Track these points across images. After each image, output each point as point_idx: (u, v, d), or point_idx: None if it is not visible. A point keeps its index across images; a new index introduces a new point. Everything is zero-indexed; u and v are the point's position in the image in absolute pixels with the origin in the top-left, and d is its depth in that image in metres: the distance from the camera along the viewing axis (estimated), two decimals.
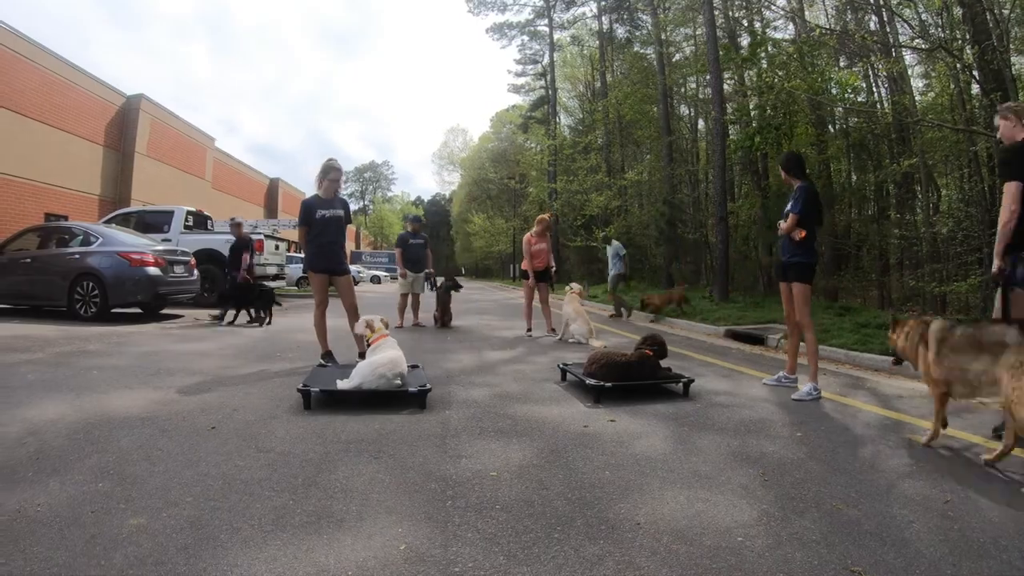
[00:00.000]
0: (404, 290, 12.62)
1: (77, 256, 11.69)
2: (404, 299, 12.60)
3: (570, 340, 10.17)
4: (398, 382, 5.33)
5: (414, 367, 5.93)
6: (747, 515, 3.03)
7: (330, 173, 7.36)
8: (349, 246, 75.92)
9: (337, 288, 7.53)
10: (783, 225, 6.26)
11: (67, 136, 22.50)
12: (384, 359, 5.37)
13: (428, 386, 5.35)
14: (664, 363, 6.30)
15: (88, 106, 23.83)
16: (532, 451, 4.03)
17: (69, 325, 10.48)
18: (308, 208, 7.31)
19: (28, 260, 12.08)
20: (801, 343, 6.51)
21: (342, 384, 5.28)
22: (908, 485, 3.50)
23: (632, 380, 5.83)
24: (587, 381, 5.75)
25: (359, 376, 5.27)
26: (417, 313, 12.74)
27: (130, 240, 12.35)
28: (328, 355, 7.20)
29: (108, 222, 15.36)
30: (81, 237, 12.17)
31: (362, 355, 6.93)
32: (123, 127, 26.00)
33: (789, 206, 6.28)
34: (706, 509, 3.10)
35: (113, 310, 11.64)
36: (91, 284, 11.39)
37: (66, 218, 20.00)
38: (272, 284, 17.79)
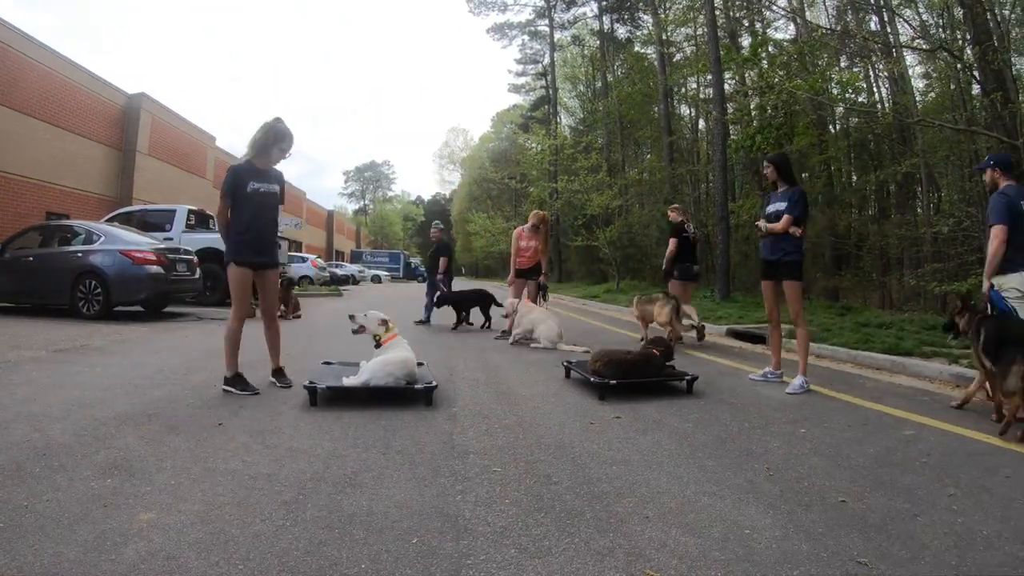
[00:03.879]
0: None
1: (79, 254, 11.69)
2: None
3: (533, 345, 9.33)
4: (405, 383, 5.32)
5: (419, 364, 5.92)
6: (754, 509, 3.05)
7: (283, 141, 5.84)
8: (349, 245, 75.55)
9: (259, 285, 5.94)
10: (775, 225, 6.43)
11: (68, 135, 22.47)
12: (396, 359, 5.36)
13: (434, 383, 5.36)
14: (669, 363, 6.32)
15: (89, 105, 23.80)
16: (539, 447, 4.04)
17: (72, 323, 10.49)
18: (236, 177, 5.67)
19: (31, 259, 12.09)
20: (789, 339, 6.67)
21: (348, 380, 5.29)
22: (911, 480, 3.52)
23: (636, 378, 5.83)
24: (591, 379, 5.77)
25: (368, 373, 5.27)
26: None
27: (132, 238, 12.33)
28: (238, 378, 5.64)
29: (110, 221, 15.34)
30: (83, 236, 12.17)
31: (276, 371, 6.06)
32: (124, 126, 25.96)
33: (783, 207, 6.44)
34: (713, 503, 3.12)
35: (115, 308, 11.64)
36: (93, 282, 11.38)
37: (67, 217, 19.96)
38: None
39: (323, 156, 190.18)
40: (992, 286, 5.36)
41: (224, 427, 4.37)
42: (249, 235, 5.70)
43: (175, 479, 3.29)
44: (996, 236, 5.28)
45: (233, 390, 5.51)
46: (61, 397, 5.10)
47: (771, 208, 6.64)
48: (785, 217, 6.34)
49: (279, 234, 6.28)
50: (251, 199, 5.66)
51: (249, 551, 2.50)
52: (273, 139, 5.77)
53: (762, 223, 6.65)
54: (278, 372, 6.03)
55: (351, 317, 5.74)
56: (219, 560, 2.42)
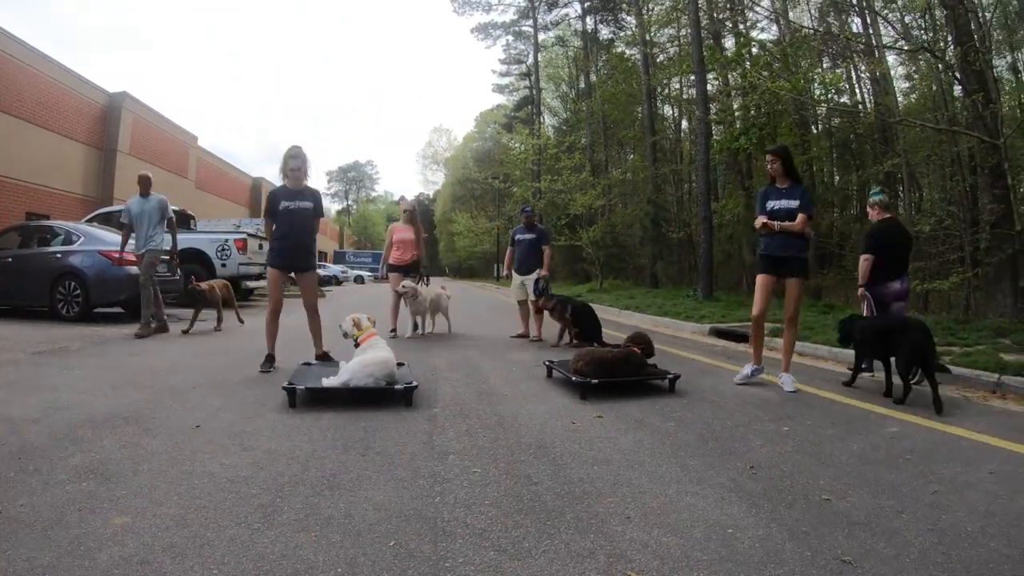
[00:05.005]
0: (519, 296, 10.52)
1: (59, 255, 11.56)
2: (522, 307, 10.53)
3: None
4: (385, 383, 5.28)
5: (400, 365, 5.89)
6: (737, 508, 3.03)
7: (288, 163, 6.90)
8: (331, 245, 75.05)
9: (299, 285, 7.21)
10: (793, 224, 6.24)
11: (48, 134, 22.24)
12: (375, 359, 5.32)
13: (414, 383, 5.32)
14: (650, 360, 6.33)
15: (70, 103, 23.57)
16: (520, 447, 4.02)
17: (51, 325, 10.38)
18: (272, 198, 6.92)
19: (9, 260, 11.96)
20: (772, 337, 7.29)
21: (328, 381, 5.24)
22: (895, 477, 3.53)
23: (618, 377, 5.82)
24: (573, 378, 5.75)
25: (347, 373, 5.23)
26: (528, 323, 10.48)
27: (112, 239, 12.20)
28: (270, 359, 6.78)
29: (90, 221, 15.20)
30: (63, 236, 12.03)
31: (319, 356, 7.00)
32: (106, 125, 25.75)
33: (796, 205, 6.31)
34: (696, 503, 3.11)
35: (95, 310, 11.54)
36: (73, 284, 11.27)
37: (47, 217, 19.78)
38: (254, 284, 17.74)
39: (319, 157, 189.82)
40: None
41: (202, 429, 4.32)
42: (281, 244, 6.91)
43: (151, 482, 3.25)
44: None
45: (260, 368, 6.67)
46: (38, 399, 5.05)
47: (778, 204, 6.41)
48: (801, 216, 6.24)
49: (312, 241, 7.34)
50: (283, 215, 6.85)
51: (224, 555, 2.47)
52: (283, 164, 6.98)
53: (770, 221, 6.36)
54: (323, 356, 7.03)
55: (345, 335, 5.91)
56: (194, 564, 2.39)
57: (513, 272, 10.55)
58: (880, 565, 2.47)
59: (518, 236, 10.47)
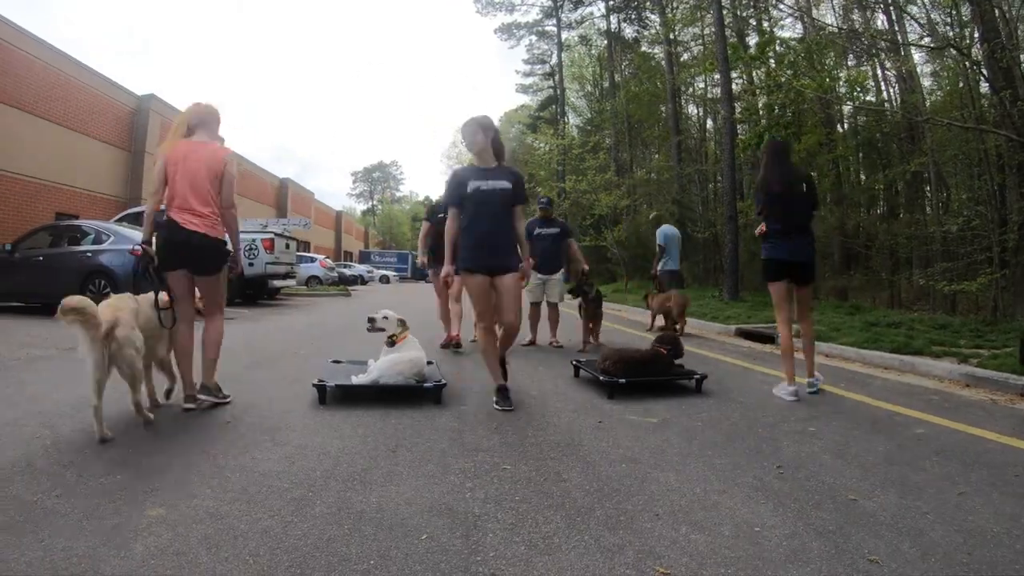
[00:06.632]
0: (534, 298, 9.43)
1: (89, 254, 11.75)
2: (535, 309, 9.53)
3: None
4: (414, 382, 5.32)
5: (428, 363, 5.92)
6: (764, 507, 3.04)
7: (465, 130, 5.34)
8: (357, 245, 75.16)
9: (496, 294, 5.24)
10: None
11: (78, 136, 22.57)
12: (405, 357, 5.37)
13: (443, 381, 5.36)
14: (677, 361, 6.33)
15: (99, 106, 23.88)
16: (548, 445, 4.05)
17: None
18: (455, 181, 5.29)
19: (40, 258, 12.15)
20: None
21: (358, 379, 5.30)
22: (921, 478, 3.51)
23: (646, 376, 5.83)
24: (600, 377, 5.76)
25: (377, 371, 5.28)
26: (555, 328, 9.60)
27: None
28: (500, 391, 5.23)
29: (119, 221, 15.38)
30: (93, 235, 12.23)
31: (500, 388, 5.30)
32: (134, 127, 26.07)
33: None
34: (723, 501, 3.12)
35: None
36: (103, 282, 11.42)
37: (76, 217, 20.04)
38: (280, 283, 17.90)
39: (331, 157, 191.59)
40: None
41: (234, 425, 4.38)
42: (472, 240, 5.17)
43: (184, 476, 3.30)
44: None
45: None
46: (71, 395, 5.09)
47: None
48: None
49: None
50: (473, 199, 5.14)
51: (258, 546, 2.51)
52: (463, 138, 5.44)
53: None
54: (501, 389, 5.27)
55: (370, 320, 5.70)
56: (228, 556, 2.43)
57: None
58: (906, 565, 2.47)
59: (537, 230, 9.33)
